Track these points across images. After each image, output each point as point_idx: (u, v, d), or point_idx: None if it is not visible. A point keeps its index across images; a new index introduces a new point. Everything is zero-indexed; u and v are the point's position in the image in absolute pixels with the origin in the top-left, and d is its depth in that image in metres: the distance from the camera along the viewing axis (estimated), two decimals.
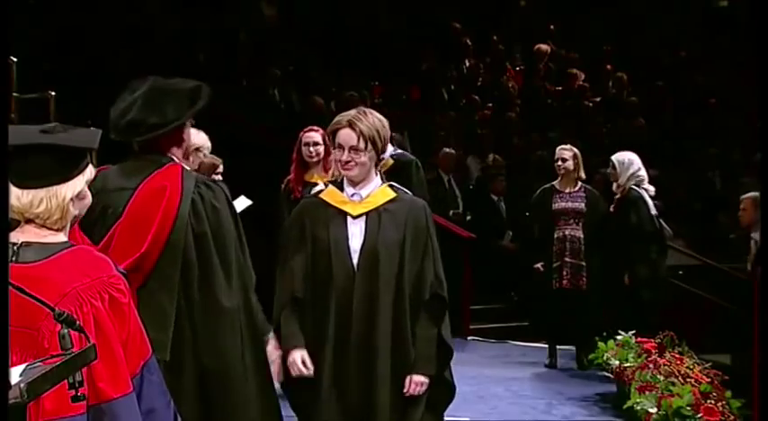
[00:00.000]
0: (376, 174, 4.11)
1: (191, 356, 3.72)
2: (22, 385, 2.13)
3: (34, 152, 2.69)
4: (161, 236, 3.63)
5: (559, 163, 8.78)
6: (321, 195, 4.18)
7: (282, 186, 6.89)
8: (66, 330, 2.41)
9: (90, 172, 2.79)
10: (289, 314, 4.00)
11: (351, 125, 3.98)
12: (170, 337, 3.65)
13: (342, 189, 4.12)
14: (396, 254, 3.97)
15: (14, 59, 6.07)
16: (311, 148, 6.81)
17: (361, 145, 3.98)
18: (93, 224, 3.64)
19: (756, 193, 7.79)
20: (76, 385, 2.36)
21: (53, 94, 6.31)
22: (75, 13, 11.95)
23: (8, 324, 2.38)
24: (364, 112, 4.06)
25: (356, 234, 4.01)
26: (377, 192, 4.08)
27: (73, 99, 8.09)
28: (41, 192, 2.69)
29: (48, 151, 2.70)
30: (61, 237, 2.73)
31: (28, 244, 2.68)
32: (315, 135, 6.84)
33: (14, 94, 6.12)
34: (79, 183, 2.74)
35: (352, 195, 4.07)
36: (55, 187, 2.70)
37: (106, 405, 2.60)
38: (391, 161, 6.48)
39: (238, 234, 3.83)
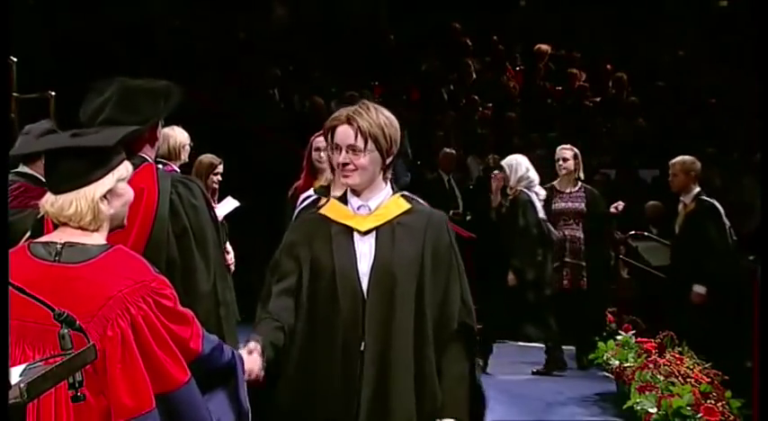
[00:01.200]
0: (385, 182, 3.43)
1: None
2: (22, 385, 2.13)
3: (59, 157, 2.78)
4: (142, 237, 3.64)
5: (560, 162, 8.78)
6: (322, 210, 3.45)
7: (289, 193, 6.21)
8: (66, 330, 2.42)
9: (125, 169, 2.85)
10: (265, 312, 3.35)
11: (349, 121, 3.35)
12: None
13: (346, 202, 3.43)
14: (414, 276, 3.31)
15: (14, 59, 6.07)
16: (322, 153, 6.06)
17: (360, 144, 3.33)
18: None
19: (683, 157, 8.22)
20: (76, 385, 2.36)
21: (53, 93, 6.31)
22: (75, 13, 11.95)
23: (8, 324, 2.39)
24: (366, 107, 3.41)
25: (365, 254, 3.33)
26: (388, 202, 3.40)
27: (73, 99, 8.08)
28: (71, 195, 2.75)
29: (70, 154, 2.76)
30: (99, 239, 2.79)
31: (71, 244, 2.75)
32: None
33: (14, 94, 6.13)
34: (108, 182, 2.79)
35: (359, 208, 3.39)
36: (83, 189, 2.76)
37: (177, 392, 2.72)
38: None
39: (216, 232, 3.84)
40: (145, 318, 2.70)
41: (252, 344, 3.16)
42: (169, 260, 3.67)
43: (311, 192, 4.98)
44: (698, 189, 8.19)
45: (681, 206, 8.32)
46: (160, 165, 4.27)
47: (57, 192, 2.77)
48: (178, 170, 6.37)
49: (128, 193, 2.87)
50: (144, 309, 2.70)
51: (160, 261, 3.62)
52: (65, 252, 2.74)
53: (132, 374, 2.66)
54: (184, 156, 6.65)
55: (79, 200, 2.75)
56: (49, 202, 2.77)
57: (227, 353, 2.96)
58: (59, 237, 2.77)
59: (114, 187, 2.80)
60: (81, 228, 2.77)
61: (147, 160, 3.77)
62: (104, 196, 2.77)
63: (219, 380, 2.94)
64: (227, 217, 6.56)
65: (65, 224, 2.77)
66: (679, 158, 8.30)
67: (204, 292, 3.71)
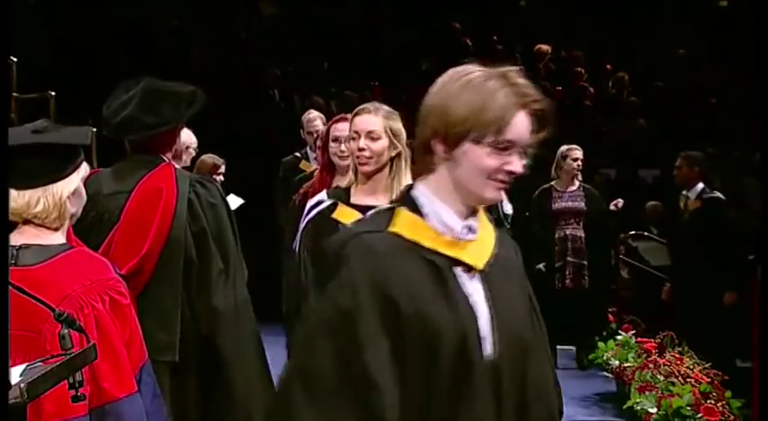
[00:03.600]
0: None
1: (195, 356, 3.73)
2: (22, 385, 2.12)
3: (28, 152, 2.69)
4: (160, 237, 3.65)
5: (576, 163, 8.71)
6: (397, 228, 2.14)
7: (296, 199, 4.64)
8: (66, 330, 2.41)
9: (85, 169, 2.80)
10: None
11: (531, 111, 2.26)
12: (177, 338, 3.68)
13: (418, 212, 2.18)
14: (533, 338, 2.26)
15: (14, 59, 6.07)
16: (343, 146, 4.46)
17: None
18: (89, 230, 3.63)
19: None
20: (77, 385, 2.36)
21: (53, 93, 6.32)
22: (75, 13, 11.95)
23: (8, 324, 2.38)
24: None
25: (480, 303, 2.16)
26: (479, 220, 2.24)
27: (73, 99, 8.10)
28: (38, 192, 2.69)
29: (41, 150, 2.70)
30: (59, 239, 2.73)
31: (27, 246, 2.68)
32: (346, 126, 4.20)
33: (14, 94, 6.13)
34: (75, 181, 2.74)
35: (463, 229, 2.18)
36: (51, 186, 2.70)
37: (111, 405, 2.60)
38: None
39: (233, 229, 3.84)
40: (98, 318, 2.63)
41: None
42: (187, 260, 3.68)
43: (323, 195, 4.01)
44: None
45: None
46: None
47: (21, 187, 2.68)
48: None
49: (84, 194, 2.82)
50: (98, 309, 2.64)
51: (178, 260, 3.65)
52: (21, 254, 2.67)
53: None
54: (186, 158, 6.63)
55: (47, 197, 2.69)
56: (12, 197, 2.68)
57: (164, 411, 2.83)
58: (16, 239, 2.70)
59: (78, 186, 2.76)
60: (44, 226, 2.71)
61: (165, 161, 3.79)
62: (70, 195, 2.73)
63: None
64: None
65: (26, 222, 2.71)
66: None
67: (221, 296, 3.71)
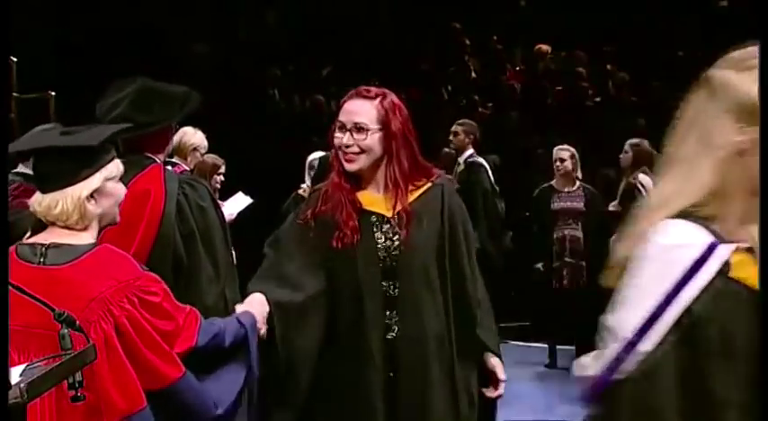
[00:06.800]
0: None
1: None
2: (22, 385, 2.13)
3: (45, 156, 2.77)
4: (148, 239, 3.64)
5: (558, 163, 8.78)
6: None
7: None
8: (66, 330, 2.42)
9: (115, 167, 2.84)
10: None
11: None
12: None
13: None
14: None
15: (14, 59, 6.07)
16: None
17: None
18: None
19: None
20: (76, 385, 2.36)
21: (53, 93, 6.32)
22: (75, 13, 11.96)
23: (8, 324, 2.39)
24: None
25: None
26: None
27: (73, 99, 8.10)
28: (57, 195, 2.73)
29: (56, 154, 2.75)
30: (87, 239, 2.77)
31: (56, 245, 2.73)
32: None
33: (14, 94, 6.13)
34: (95, 181, 2.77)
35: None
36: (69, 188, 2.74)
37: (171, 387, 2.71)
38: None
39: (224, 232, 3.83)
40: (129, 318, 2.67)
41: None
42: (177, 260, 3.67)
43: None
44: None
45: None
46: (169, 167, 4.27)
47: (44, 191, 2.75)
48: (188, 170, 6.35)
49: (117, 192, 2.85)
50: (128, 309, 2.68)
51: (167, 261, 3.63)
52: (50, 253, 2.71)
53: (120, 375, 2.65)
54: (189, 159, 6.59)
55: (65, 199, 2.73)
56: (37, 202, 2.76)
57: (232, 335, 2.94)
58: (46, 237, 2.75)
59: (102, 186, 2.78)
60: (68, 227, 2.74)
61: (156, 161, 3.78)
62: (91, 195, 2.75)
63: (226, 357, 2.93)
64: (238, 214, 6.57)
65: (53, 223, 2.75)
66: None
67: (211, 296, 3.70)
